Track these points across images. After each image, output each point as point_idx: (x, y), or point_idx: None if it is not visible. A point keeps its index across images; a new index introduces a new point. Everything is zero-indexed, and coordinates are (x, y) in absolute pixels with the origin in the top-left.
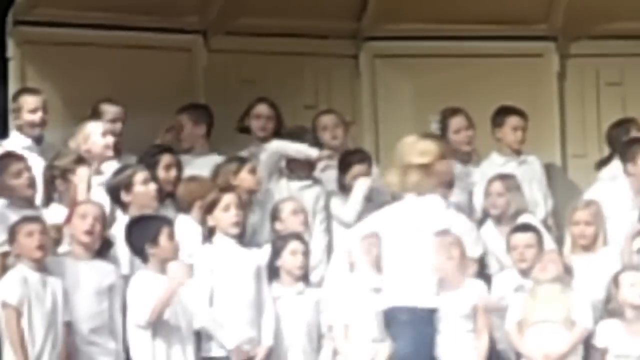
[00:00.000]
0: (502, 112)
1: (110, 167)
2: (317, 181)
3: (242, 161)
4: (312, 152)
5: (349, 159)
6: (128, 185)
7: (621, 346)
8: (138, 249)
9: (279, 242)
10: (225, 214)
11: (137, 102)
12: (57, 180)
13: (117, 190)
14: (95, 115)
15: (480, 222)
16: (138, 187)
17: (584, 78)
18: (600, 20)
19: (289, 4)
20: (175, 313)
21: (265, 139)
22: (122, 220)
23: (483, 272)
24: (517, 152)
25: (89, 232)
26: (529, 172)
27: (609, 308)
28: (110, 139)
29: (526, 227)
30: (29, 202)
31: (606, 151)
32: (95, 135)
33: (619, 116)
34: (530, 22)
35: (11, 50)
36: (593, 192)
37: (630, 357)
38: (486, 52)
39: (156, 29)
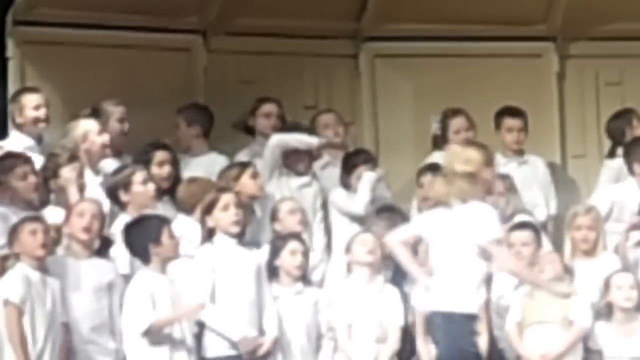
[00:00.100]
0: (499, 114)
1: (110, 165)
2: (315, 178)
3: (244, 166)
4: (313, 140)
5: (353, 160)
6: (127, 185)
7: (613, 348)
8: (140, 250)
9: (278, 242)
10: (225, 214)
11: (136, 102)
12: (50, 181)
13: (115, 189)
14: (97, 114)
15: None
16: (137, 187)
17: (584, 78)
18: (599, 21)
19: (289, 4)
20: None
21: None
22: (121, 219)
23: None
24: (519, 153)
25: (87, 229)
26: (530, 173)
27: (600, 310)
28: (107, 137)
29: (523, 225)
30: (30, 204)
31: (606, 151)
32: (93, 134)
33: None
34: (530, 22)
35: (11, 50)
36: (599, 195)
37: (623, 358)
38: (486, 53)
39: (156, 29)
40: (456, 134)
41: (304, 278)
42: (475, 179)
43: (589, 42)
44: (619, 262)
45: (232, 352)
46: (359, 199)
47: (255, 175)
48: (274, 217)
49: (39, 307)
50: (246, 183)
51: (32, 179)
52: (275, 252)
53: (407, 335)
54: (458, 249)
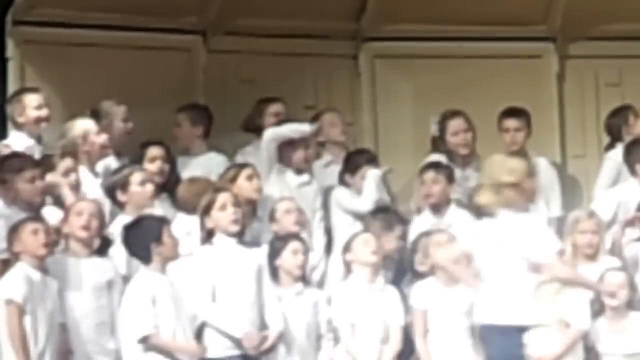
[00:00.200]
0: (499, 115)
1: (111, 165)
2: (313, 177)
3: (241, 167)
4: (305, 127)
5: (356, 160)
6: (124, 185)
7: (605, 344)
8: (140, 250)
9: (279, 242)
10: (223, 213)
11: (136, 103)
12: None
13: (113, 189)
14: (97, 116)
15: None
16: (134, 188)
17: (583, 79)
18: (599, 22)
19: (289, 4)
20: (175, 318)
21: None
22: (120, 219)
23: None
24: (520, 153)
25: (86, 227)
26: None
27: (593, 307)
28: (106, 138)
29: None
30: (31, 206)
31: None
32: (92, 135)
33: None
34: (530, 23)
35: (10, 50)
36: (603, 200)
37: (616, 355)
38: (485, 53)
39: (156, 29)
40: (454, 135)
41: (304, 278)
42: (520, 188)
43: (588, 43)
44: (619, 264)
45: (233, 352)
46: (366, 197)
47: (251, 177)
48: (271, 217)
49: (40, 307)
50: (242, 185)
51: (39, 183)
52: (275, 252)
53: (405, 336)
54: (509, 261)
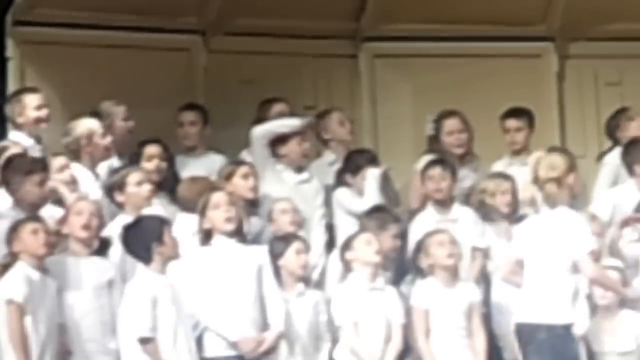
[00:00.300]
0: (501, 116)
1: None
2: (313, 175)
3: (236, 165)
4: (294, 122)
5: (357, 161)
6: (121, 186)
7: (597, 343)
8: (141, 250)
9: (280, 243)
10: (217, 212)
11: (136, 103)
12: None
13: (111, 190)
14: (98, 116)
15: None
16: (131, 188)
17: (583, 79)
18: (598, 21)
19: (289, 4)
20: (175, 318)
21: None
22: (119, 219)
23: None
24: (522, 153)
25: (86, 227)
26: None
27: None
28: (110, 140)
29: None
30: (33, 207)
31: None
32: (97, 136)
33: None
34: (529, 23)
35: (10, 50)
36: (600, 201)
37: (606, 353)
38: (485, 53)
39: (155, 29)
40: (449, 135)
41: (305, 279)
42: (561, 184)
43: (588, 43)
44: (622, 265)
45: (232, 352)
46: (367, 197)
47: (247, 176)
48: (269, 217)
49: (40, 307)
50: (238, 183)
51: (46, 187)
52: (278, 253)
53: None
54: (553, 260)
